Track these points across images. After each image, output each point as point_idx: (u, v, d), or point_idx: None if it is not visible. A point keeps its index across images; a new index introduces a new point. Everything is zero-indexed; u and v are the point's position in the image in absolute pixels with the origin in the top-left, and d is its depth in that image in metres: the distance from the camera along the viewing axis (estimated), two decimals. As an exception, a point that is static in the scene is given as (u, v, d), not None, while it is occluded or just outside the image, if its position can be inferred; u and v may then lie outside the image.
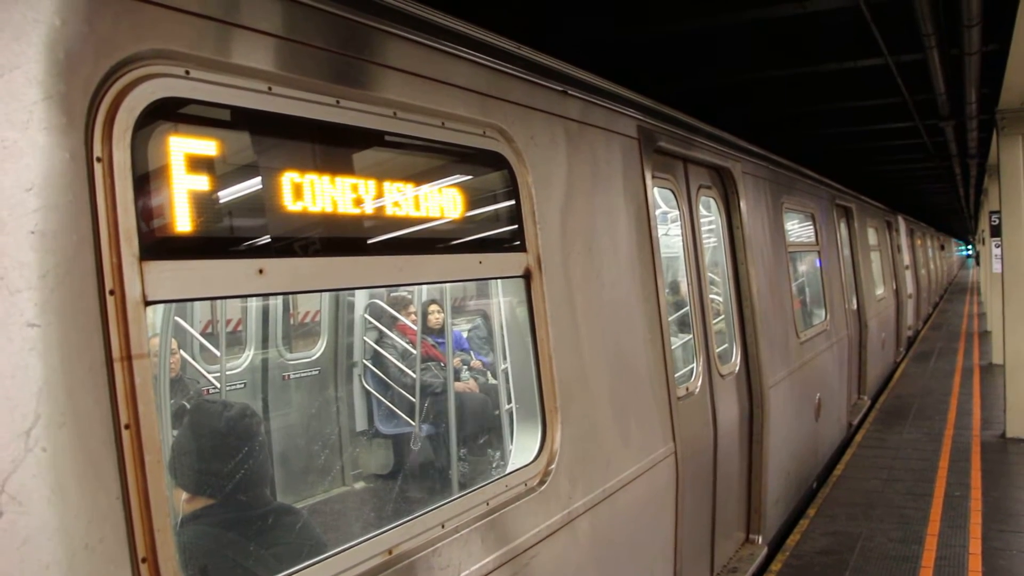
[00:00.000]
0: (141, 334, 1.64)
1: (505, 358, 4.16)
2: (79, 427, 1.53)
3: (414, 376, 5.86)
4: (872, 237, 13.13)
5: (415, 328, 6.15)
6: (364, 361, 6.30)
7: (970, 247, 60.47)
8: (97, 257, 1.60)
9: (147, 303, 1.67)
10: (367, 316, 6.37)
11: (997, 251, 11.78)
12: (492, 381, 6.19)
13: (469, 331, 6.87)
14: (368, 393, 6.18)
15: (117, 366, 1.60)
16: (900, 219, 17.70)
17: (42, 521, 1.46)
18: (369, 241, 2.39)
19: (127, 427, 1.61)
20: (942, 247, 39.23)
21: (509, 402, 4.81)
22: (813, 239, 8.68)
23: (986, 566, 5.61)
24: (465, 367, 6.41)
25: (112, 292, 1.61)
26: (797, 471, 6.95)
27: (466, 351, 6.60)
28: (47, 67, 1.54)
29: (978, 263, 31.57)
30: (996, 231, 11.47)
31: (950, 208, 33.02)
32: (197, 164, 1.82)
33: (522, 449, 3.03)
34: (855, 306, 10.62)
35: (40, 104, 1.53)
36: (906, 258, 17.78)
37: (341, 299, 6.17)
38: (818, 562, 5.83)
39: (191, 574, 1.77)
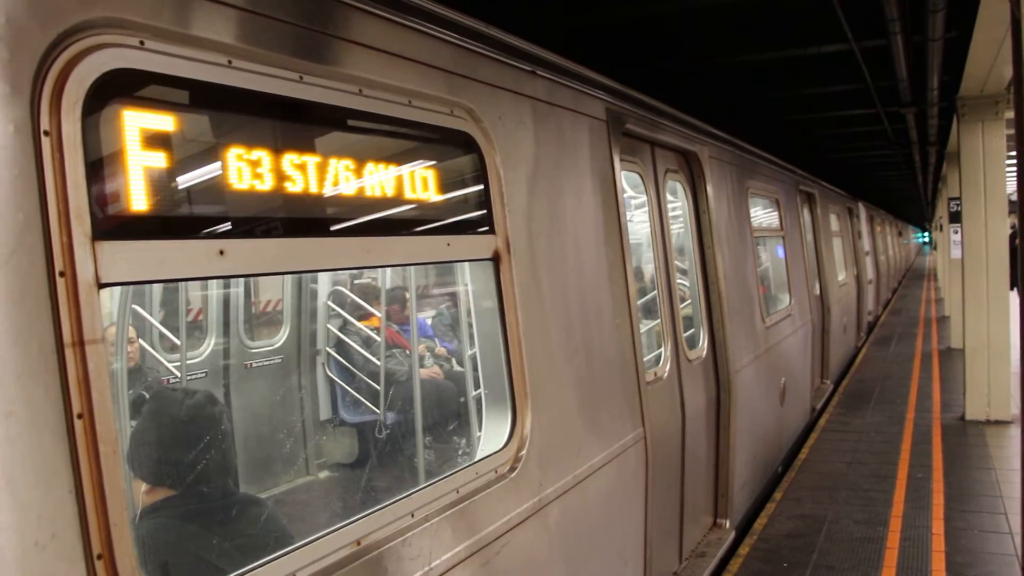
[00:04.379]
0: (94, 318, 1.56)
1: (473, 343, 4.12)
2: (28, 417, 1.45)
3: (378, 364, 5.79)
4: (834, 223, 13.29)
5: (379, 315, 6.07)
6: (327, 349, 6.20)
7: (926, 234, 61.67)
8: (46, 237, 1.50)
9: (100, 285, 1.58)
10: (330, 303, 6.27)
11: (956, 237, 12.01)
12: (457, 368, 6.12)
13: (433, 318, 6.83)
14: (332, 381, 6.09)
15: (69, 352, 1.51)
16: (861, 206, 17.94)
17: (28, 506, 1.40)
18: (335, 222, 2.31)
19: (80, 416, 1.52)
20: (900, 234, 39.95)
21: (475, 388, 4.79)
22: (777, 224, 8.73)
23: (949, 546, 5.71)
24: (429, 354, 6.36)
25: (62, 274, 1.52)
26: (763, 455, 7.02)
27: (430, 338, 6.55)
28: None
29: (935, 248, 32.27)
30: (956, 217, 11.68)
31: (908, 195, 33.61)
32: (153, 140, 1.73)
33: (491, 436, 2.99)
34: (818, 291, 10.73)
35: None
36: (866, 244, 18.04)
37: (304, 286, 6.06)
38: (785, 545, 5.89)
39: (150, 571, 1.70)
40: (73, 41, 1.58)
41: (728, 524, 5.84)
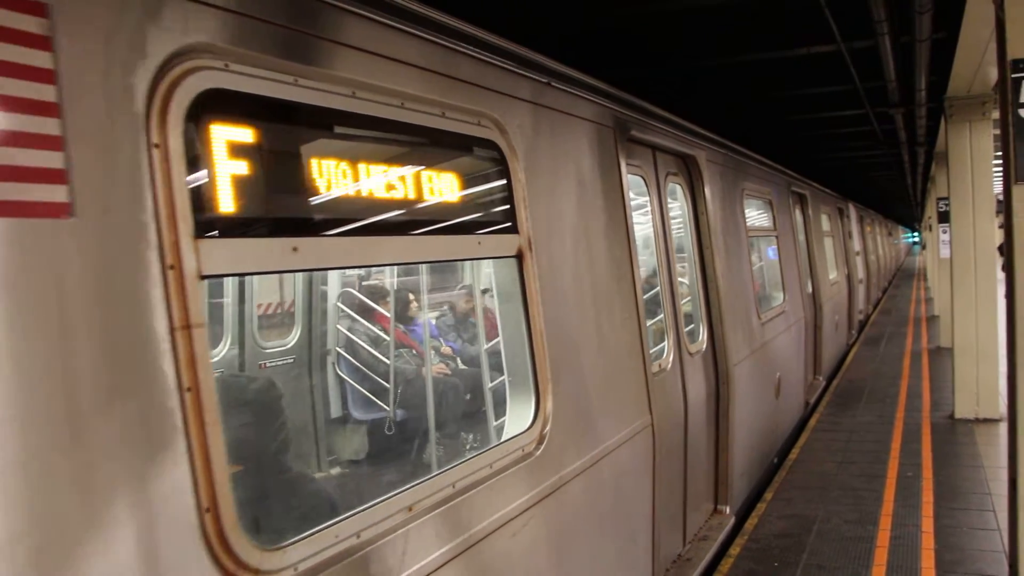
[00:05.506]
0: (198, 305, 1.83)
1: (480, 340, 4.46)
2: (150, 390, 1.73)
3: (387, 362, 5.97)
4: (825, 223, 13.59)
5: (388, 316, 6.24)
6: (337, 349, 6.38)
7: (916, 234, 61.96)
8: (158, 235, 1.78)
9: (202, 277, 1.86)
10: (340, 304, 6.39)
11: (945, 237, 12.08)
12: (461, 366, 6.34)
13: (437, 318, 6.97)
14: (342, 380, 6.20)
15: (178, 335, 1.79)
16: (851, 206, 18.06)
17: (128, 471, 1.66)
18: (385, 223, 2.61)
19: (189, 390, 1.79)
20: (890, 234, 40.12)
21: (489, 382, 5.09)
22: (771, 224, 9.04)
23: (939, 543, 5.80)
24: (434, 353, 6.49)
25: (172, 267, 1.79)
26: (760, 446, 7.31)
27: (435, 338, 6.72)
28: (116, 62, 1.73)
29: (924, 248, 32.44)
30: (944, 217, 11.76)
31: (898, 195, 33.76)
32: (237, 150, 2.02)
33: (515, 419, 3.29)
34: (810, 289, 11.02)
35: (112, 96, 1.71)
36: (857, 244, 18.18)
37: (315, 288, 6.27)
38: (776, 545, 5.95)
39: (245, 524, 1.94)
40: (175, 65, 1.86)
41: (728, 510, 6.12)
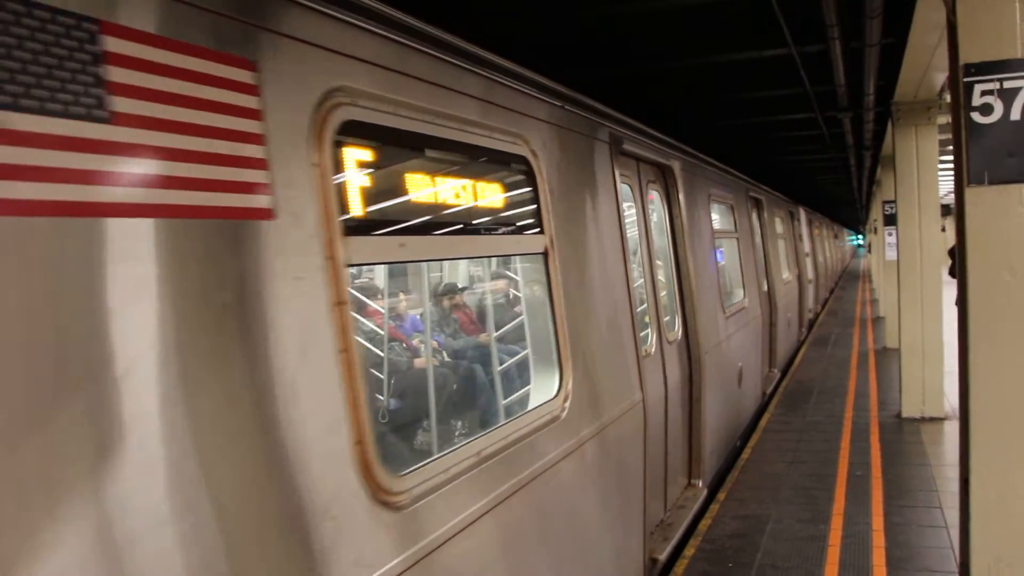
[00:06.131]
0: (346, 287, 2.43)
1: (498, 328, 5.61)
2: (321, 350, 2.31)
3: (381, 355, 6.33)
4: (779, 226, 14.48)
5: (382, 311, 6.61)
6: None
7: (861, 236, 63.38)
8: (320, 233, 2.36)
9: (348, 266, 2.46)
10: None
11: (891, 239, 12.35)
12: (446, 359, 6.79)
13: (421, 314, 7.19)
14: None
15: (335, 309, 2.37)
16: (801, 210, 18.47)
17: (309, 411, 2.23)
18: (456, 223, 3.28)
19: (343, 351, 2.37)
20: (836, 236, 40.97)
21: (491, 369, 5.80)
22: (733, 227, 9.84)
23: (889, 541, 6.02)
24: (424, 347, 6.69)
25: (329, 258, 2.37)
26: (726, 428, 8.16)
27: (422, 332, 6.83)
28: (295, 101, 2.32)
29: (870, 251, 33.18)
30: (891, 220, 12.04)
31: (843, 199, 34.48)
32: (363, 167, 2.65)
33: (539, 391, 4.02)
34: (766, 288, 11.79)
35: (292, 127, 2.30)
36: (806, 246, 18.68)
37: None
38: (730, 545, 6.07)
39: (380, 456, 2.50)
40: (324, 102, 2.44)
41: (701, 484, 6.87)
